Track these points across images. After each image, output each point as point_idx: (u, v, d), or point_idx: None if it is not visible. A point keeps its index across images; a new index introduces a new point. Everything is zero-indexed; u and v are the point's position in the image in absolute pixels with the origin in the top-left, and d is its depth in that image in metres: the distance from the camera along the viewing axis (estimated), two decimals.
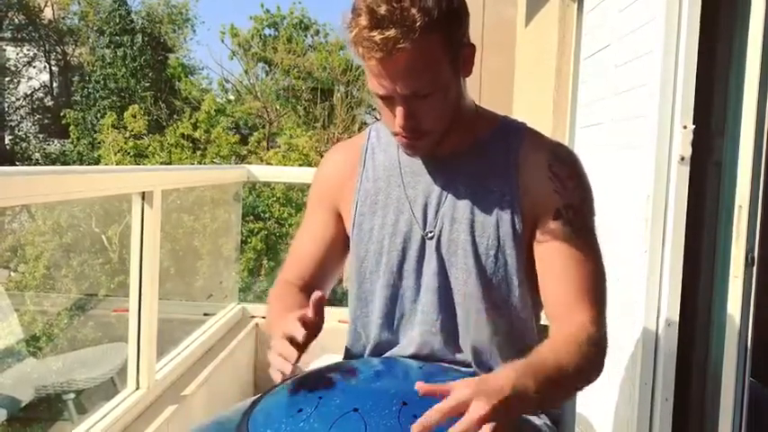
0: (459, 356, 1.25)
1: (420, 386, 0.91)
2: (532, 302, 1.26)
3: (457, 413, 0.87)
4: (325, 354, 2.04)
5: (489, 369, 1.22)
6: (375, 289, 1.28)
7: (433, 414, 0.87)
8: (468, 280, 1.21)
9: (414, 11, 1.04)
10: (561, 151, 1.26)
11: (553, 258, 1.19)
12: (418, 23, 1.04)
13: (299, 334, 1.02)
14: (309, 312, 1.06)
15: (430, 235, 1.23)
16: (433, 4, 1.06)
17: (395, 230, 1.25)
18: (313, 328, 1.06)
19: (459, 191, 1.23)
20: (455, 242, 1.22)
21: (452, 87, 1.16)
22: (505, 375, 0.95)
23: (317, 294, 1.07)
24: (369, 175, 1.30)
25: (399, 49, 1.04)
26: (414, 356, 1.24)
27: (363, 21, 1.05)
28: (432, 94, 1.12)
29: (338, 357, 1.37)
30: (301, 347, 1.03)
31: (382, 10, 1.04)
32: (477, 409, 0.87)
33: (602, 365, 1.16)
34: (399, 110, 1.13)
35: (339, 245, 1.35)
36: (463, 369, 1.23)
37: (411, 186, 1.26)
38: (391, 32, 1.03)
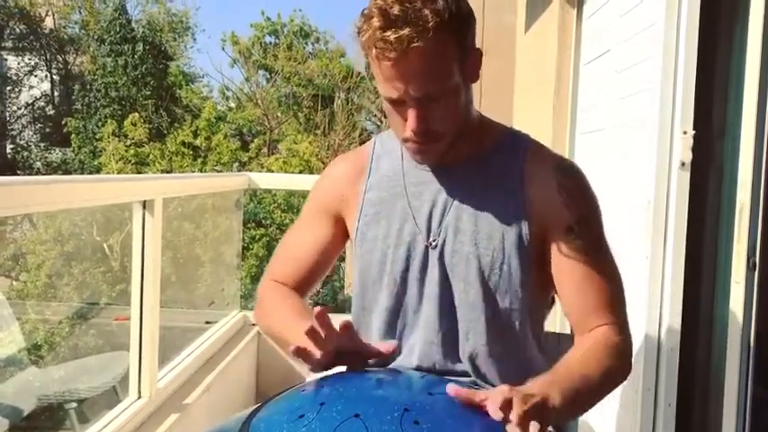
0: (458, 366, 1.24)
1: (455, 392, 0.96)
2: (536, 313, 1.27)
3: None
4: None
5: (487, 379, 1.23)
6: (377, 298, 1.28)
7: (480, 395, 0.95)
8: (470, 291, 1.21)
9: (426, 11, 1.06)
10: (566, 165, 1.27)
11: (571, 274, 1.20)
12: (431, 23, 1.05)
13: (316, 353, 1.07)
14: (323, 332, 1.07)
15: (433, 244, 1.23)
16: (443, 6, 1.07)
17: (398, 240, 1.25)
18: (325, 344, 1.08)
19: (464, 201, 1.22)
20: (459, 253, 1.21)
21: (462, 91, 1.16)
22: (531, 388, 0.98)
23: (316, 312, 1.06)
24: (373, 185, 1.30)
25: (414, 48, 1.05)
26: (416, 368, 1.24)
27: (376, 22, 1.06)
28: (443, 97, 1.12)
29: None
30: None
31: (395, 10, 1.05)
32: (517, 408, 0.91)
33: (629, 370, 1.21)
34: (412, 112, 1.12)
35: (331, 254, 1.36)
36: (461, 379, 1.21)
37: (415, 196, 1.25)
38: (405, 31, 1.05)
